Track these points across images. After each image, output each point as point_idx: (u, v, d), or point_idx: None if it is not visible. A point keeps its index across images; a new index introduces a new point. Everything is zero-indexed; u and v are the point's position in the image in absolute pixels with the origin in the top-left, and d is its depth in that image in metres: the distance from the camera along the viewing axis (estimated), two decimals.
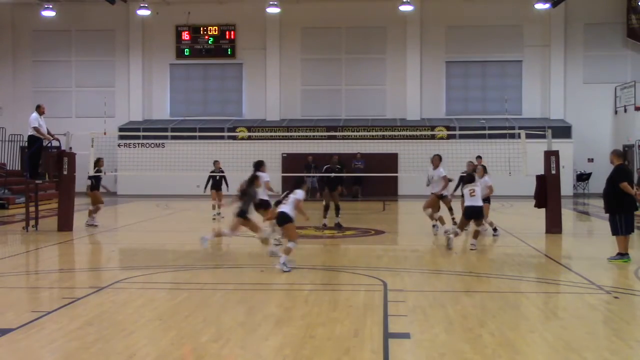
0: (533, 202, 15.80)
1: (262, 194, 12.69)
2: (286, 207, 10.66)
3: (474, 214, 12.87)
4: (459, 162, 22.44)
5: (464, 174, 15.61)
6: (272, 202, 12.23)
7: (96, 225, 16.80)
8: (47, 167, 19.24)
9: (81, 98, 33.74)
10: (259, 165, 12.68)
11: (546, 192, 15.37)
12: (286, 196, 10.85)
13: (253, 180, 11.84)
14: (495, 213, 21.75)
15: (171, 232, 17.34)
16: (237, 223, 11.56)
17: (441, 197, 15.31)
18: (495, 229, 15.07)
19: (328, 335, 6.76)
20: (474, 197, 12.82)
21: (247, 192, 11.65)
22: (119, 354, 6.15)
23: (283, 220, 10.64)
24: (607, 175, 11.45)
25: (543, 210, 15.60)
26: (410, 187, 29.00)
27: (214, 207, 19.45)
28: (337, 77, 33.13)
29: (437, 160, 15.42)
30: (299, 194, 10.79)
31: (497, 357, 6.06)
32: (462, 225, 13.19)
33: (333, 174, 17.12)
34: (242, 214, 11.50)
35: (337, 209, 17.22)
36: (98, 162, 17.19)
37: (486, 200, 14.66)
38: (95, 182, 17.18)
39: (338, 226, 16.68)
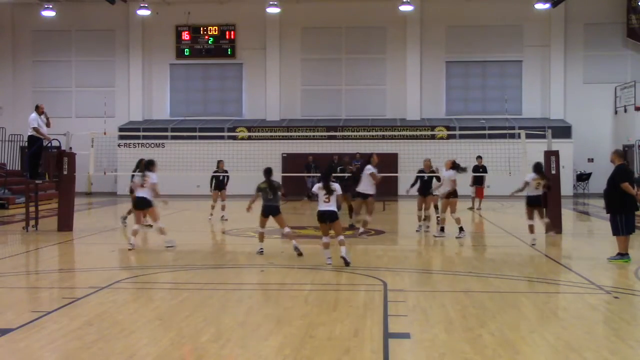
0: None
1: (145, 192, 13.09)
2: (331, 206, 10.96)
3: (535, 202, 13.53)
4: (459, 162, 22.49)
5: (421, 174, 15.83)
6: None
7: (150, 225, 16.54)
8: (47, 167, 19.24)
9: (81, 98, 33.74)
10: (269, 172, 12.33)
11: (546, 193, 15.35)
12: (327, 194, 10.95)
13: (270, 172, 12.08)
14: (495, 213, 21.78)
15: (171, 232, 17.29)
16: (281, 220, 11.96)
17: (365, 196, 15.03)
18: (460, 229, 14.76)
19: (328, 335, 6.75)
20: (537, 189, 13.48)
21: (271, 185, 11.90)
22: (119, 354, 6.15)
23: (333, 217, 11.02)
24: (607, 175, 11.46)
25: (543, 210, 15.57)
26: None
27: (212, 208, 19.29)
28: (337, 77, 33.13)
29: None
30: (339, 188, 11.16)
31: (497, 357, 6.05)
32: (530, 214, 13.68)
33: (346, 175, 17.11)
34: (277, 210, 11.85)
35: (351, 210, 17.17)
36: (140, 164, 17.23)
37: (453, 194, 14.77)
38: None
39: (351, 227, 16.42)
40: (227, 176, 19.52)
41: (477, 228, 18.33)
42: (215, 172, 19.21)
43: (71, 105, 33.63)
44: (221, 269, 11.03)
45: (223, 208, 19.15)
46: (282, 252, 12.41)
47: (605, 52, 31.89)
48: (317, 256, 11.79)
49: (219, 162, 19.44)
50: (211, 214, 19.01)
